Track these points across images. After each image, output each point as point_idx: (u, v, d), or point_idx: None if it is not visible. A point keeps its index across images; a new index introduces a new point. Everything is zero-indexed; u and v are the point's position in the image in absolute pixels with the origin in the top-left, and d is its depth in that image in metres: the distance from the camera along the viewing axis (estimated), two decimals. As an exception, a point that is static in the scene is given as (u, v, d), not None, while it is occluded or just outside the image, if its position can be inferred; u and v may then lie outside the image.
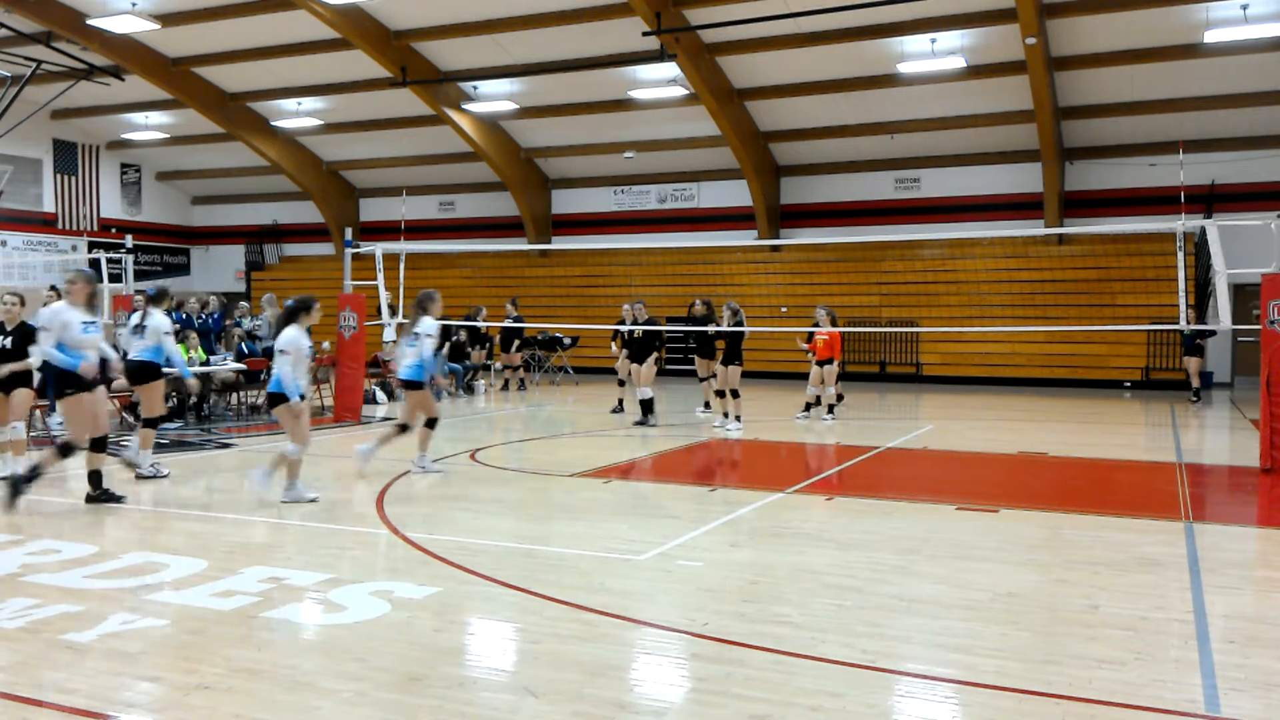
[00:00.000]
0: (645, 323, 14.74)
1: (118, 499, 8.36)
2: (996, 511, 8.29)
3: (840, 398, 17.64)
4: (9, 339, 8.76)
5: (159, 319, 9.56)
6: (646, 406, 14.23)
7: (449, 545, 6.89)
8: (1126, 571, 6.36)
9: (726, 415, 13.85)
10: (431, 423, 10.08)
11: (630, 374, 15.38)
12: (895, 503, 8.80)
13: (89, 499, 8.30)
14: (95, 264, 18.60)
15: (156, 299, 9.78)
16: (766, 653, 4.79)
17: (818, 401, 15.22)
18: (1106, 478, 10.57)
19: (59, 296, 9.30)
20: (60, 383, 8.09)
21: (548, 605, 5.54)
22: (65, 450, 8.03)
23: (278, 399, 8.38)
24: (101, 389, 8.66)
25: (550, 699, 4.21)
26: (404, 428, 10.04)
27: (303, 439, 8.41)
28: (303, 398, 8.47)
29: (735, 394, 13.69)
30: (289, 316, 8.59)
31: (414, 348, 9.92)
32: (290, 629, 5.20)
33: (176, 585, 5.89)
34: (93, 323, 8.23)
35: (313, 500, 8.35)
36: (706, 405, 15.85)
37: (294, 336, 8.39)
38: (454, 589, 5.87)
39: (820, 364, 15.03)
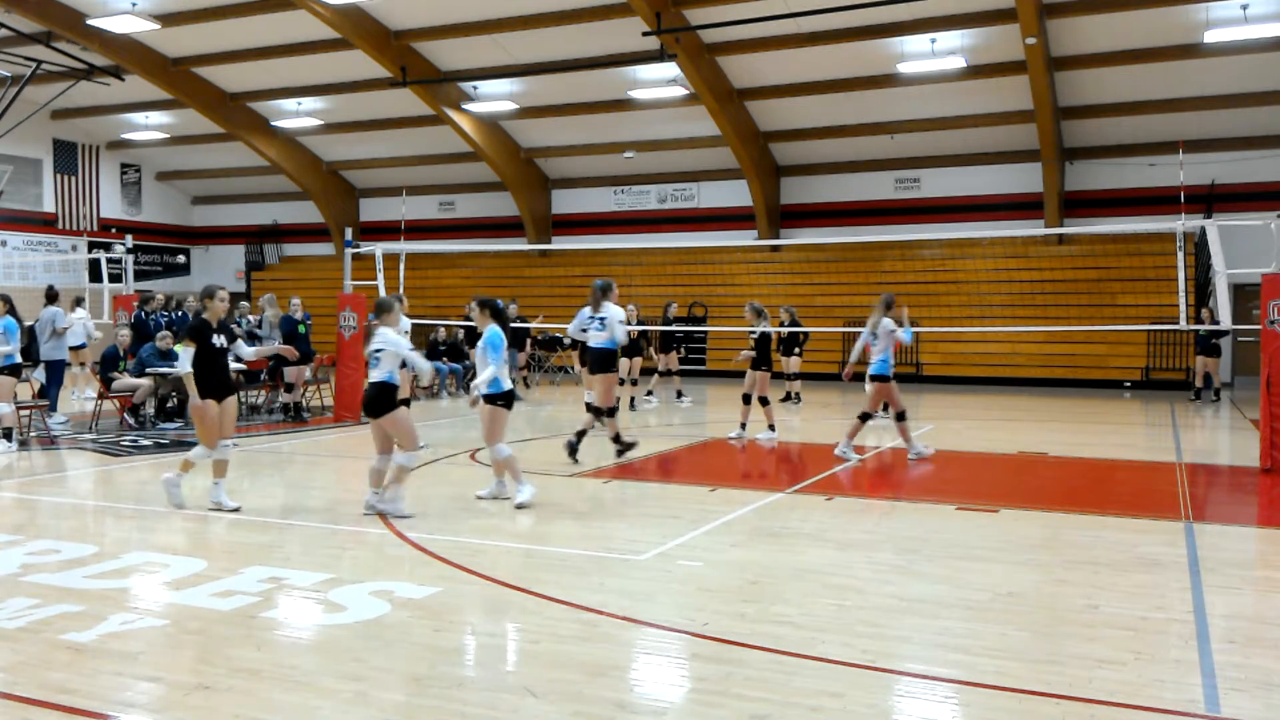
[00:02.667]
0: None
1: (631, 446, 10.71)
2: (996, 511, 8.29)
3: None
4: (223, 336, 8.23)
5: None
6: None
7: (449, 545, 6.89)
8: (1126, 571, 6.35)
9: (744, 425, 12.97)
10: (900, 415, 11.32)
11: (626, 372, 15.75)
12: (895, 503, 8.80)
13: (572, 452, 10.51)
14: (95, 264, 18.59)
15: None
16: (766, 653, 4.79)
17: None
18: (1106, 478, 10.57)
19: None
20: (606, 362, 10.67)
21: (548, 605, 5.54)
22: (596, 413, 10.72)
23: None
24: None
25: (550, 699, 4.21)
26: (868, 416, 11.38)
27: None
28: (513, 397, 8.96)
29: (765, 401, 12.94)
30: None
31: (877, 344, 11.20)
32: (290, 629, 5.20)
33: (176, 585, 5.90)
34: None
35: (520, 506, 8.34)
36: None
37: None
38: (454, 589, 5.87)
39: None
